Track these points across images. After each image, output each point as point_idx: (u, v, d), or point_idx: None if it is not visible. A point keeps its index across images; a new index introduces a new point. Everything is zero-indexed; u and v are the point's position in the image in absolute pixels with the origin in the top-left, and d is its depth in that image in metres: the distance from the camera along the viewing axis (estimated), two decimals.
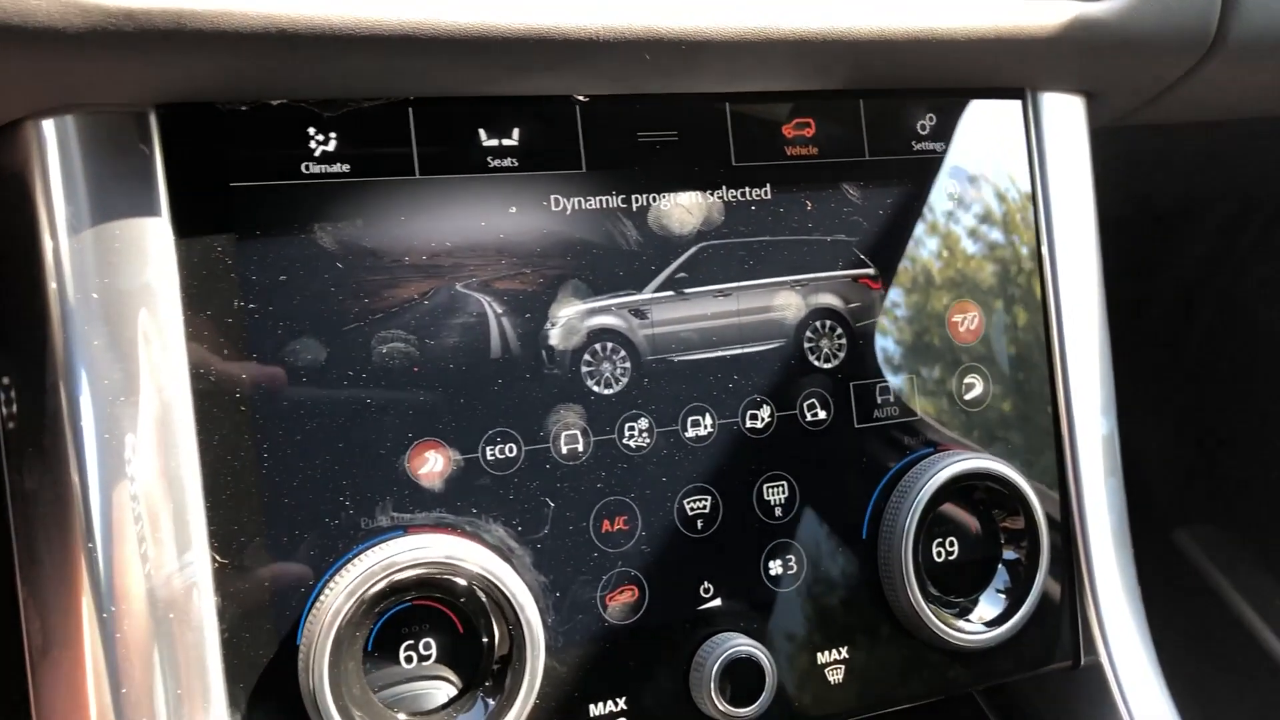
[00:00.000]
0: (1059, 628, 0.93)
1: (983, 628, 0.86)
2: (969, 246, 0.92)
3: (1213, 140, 1.31)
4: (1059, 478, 0.94)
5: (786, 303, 0.86)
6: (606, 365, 0.81)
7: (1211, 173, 1.55)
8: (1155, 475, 1.97)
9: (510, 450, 0.78)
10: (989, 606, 0.88)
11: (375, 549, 0.72)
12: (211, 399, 0.71)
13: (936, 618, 0.85)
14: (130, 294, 0.69)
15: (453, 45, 0.69)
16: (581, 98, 0.80)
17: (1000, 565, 0.90)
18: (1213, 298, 1.84)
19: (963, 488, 0.88)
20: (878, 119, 0.89)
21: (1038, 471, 0.93)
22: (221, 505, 0.71)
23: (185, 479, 0.70)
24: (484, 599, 0.74)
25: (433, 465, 0.76)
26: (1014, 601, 0.88)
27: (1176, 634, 1.78)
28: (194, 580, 0.70)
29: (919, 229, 0.91)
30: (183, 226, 0.71)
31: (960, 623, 0.86)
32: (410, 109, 0.76)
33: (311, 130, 0.74)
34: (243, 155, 0.72)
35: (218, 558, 0.71)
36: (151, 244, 0.70)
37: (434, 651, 0.75)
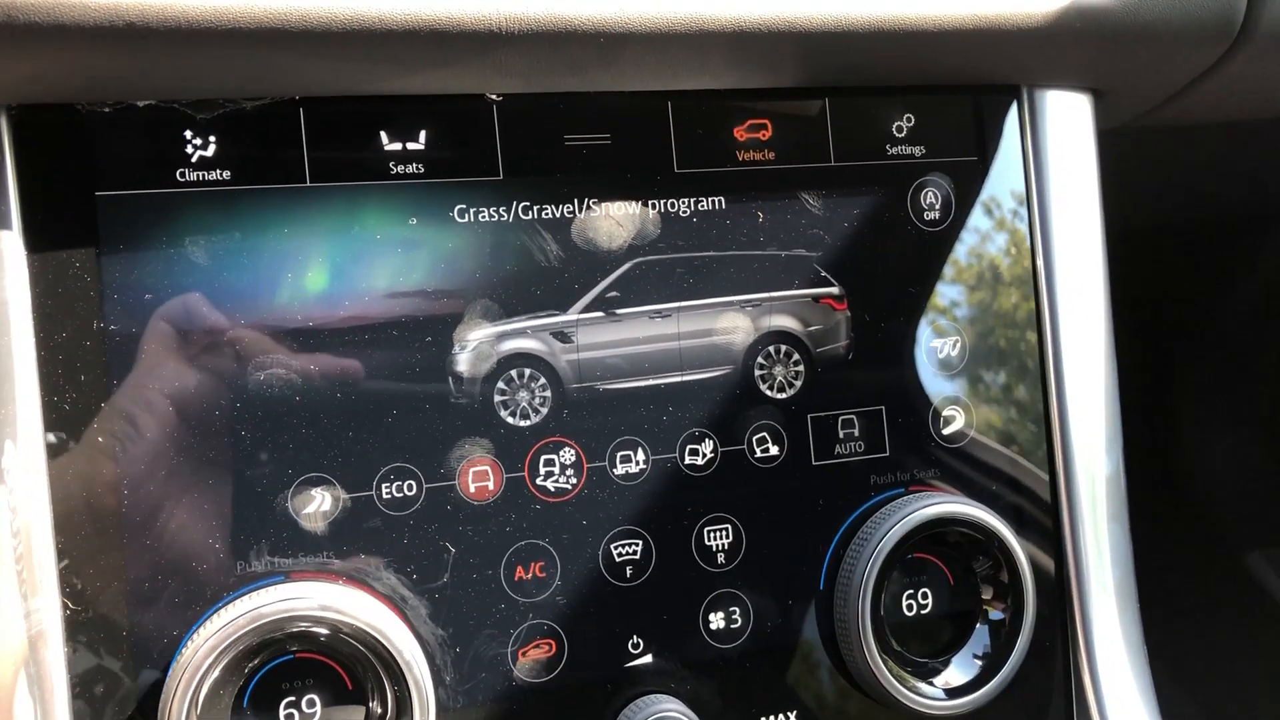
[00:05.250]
0: (1046, 701, 0.82)
1: (942, 695, 0.76)
2: (952, 263, 0.82)
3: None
4: (1053, 524, 0.84)
5: (734, 325, 0.77)
6: (523, 394, 0.73)
7: None
8: (1228, 493, 1.85)
9: (409, 488, 0.70)
10: (959, 671, 0.78)
11: (243, 599, 0.65)
12: (65, 429, 0.64)
13: (895, 679, 0.75)
14: None
15: (327, 39, 0.62)
16: (495, 96, 0.72)
17: (980, 625, 0.80)
18: None
19: (938, 534, 0.78)
20: (846, 120, 0.80)
21: (1027, 517, 0.83)
22: (75, 546, 0.64)
23: (33, 517, 0.64)
24: (367, 654, 0.66)
25: (319, 504, 0.68)
26: (989, 668, 0.78)
27: (1246, 660, 1.66)
28: (41, 629, 0.64)
29: (893, 244, 0.81)
30: (37, 239, 0.64)
31: (922, 686, 0.76)
32: (301, 109, 0.69)
33: (189, 134, 0.67)
34: (108, 161, 0.66)
35: (69, 605, 0.64)
36: (0, 258, 0.63)
37: (318, 710, 0.67)
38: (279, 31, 0.61)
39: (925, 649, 0.79)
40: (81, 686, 0.64)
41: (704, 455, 0.76)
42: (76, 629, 0.64)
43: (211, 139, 0.67)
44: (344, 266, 0.69)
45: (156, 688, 0.65)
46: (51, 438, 0.64)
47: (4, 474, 0.63)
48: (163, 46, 0.60)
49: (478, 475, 0.71)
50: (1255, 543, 1.79)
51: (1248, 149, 1.25)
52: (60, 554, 0.64)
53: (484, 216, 0.72)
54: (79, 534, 0.65)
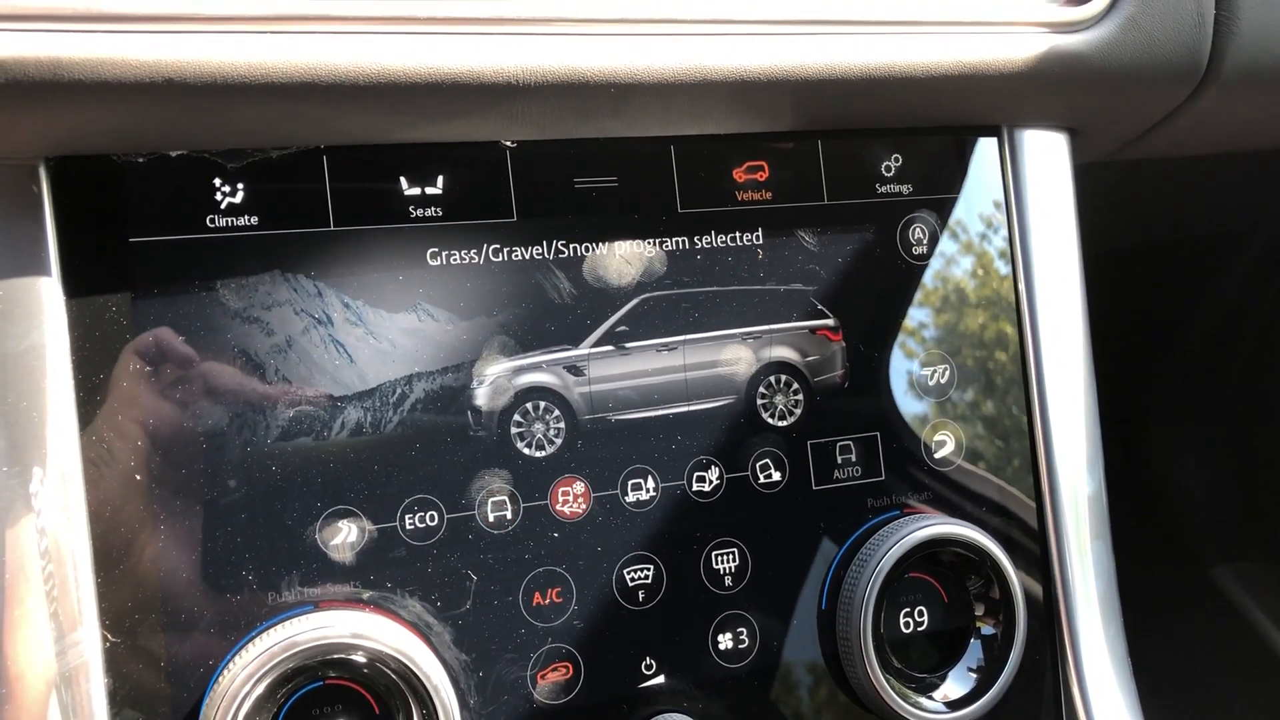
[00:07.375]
0: (1038, 711, 0.86)
1: (944, 708, 0.80)
2: (939, 295, 0.86)
3: (1251, 167, 1.24)
4: (1040, 543, 0.88)
5: (737, 357, 0.81)
6: (538, 426, 0.76)
7: (1251, 199, 1.48)
8: (1195, 509, 1.89)
9: (431, 519, 0.73)
10: (956, 685, 0.81)
11: (277, 628, 0.68)
12: (103, 467, 0.67)
13: (897, 694, 0.79)
14: (15, 357, 0.65)
15: (354, 92, 0.65)
16: (510, 143, 0.75)
17: (974, 640, 0.83)
18: (1255, 327, 1.76)
19: (932, 554, 0.82)
20: (838, 161, 0.84)
21: (1015, 537, 0.87)
22: (114, 580, 0.67)
23: (74, 552, 0.66)
24: (396, 680, 0.69)
25: (345, 536, 0.71)
26: (985, 680, 0.81)
27: (1214, 673, 1.70)
28: (83, 660, 0.66)
29: (884, 277, 0.85)
30: (75, 285, 0.67)
31: (923, 700, 0.80)
32: (324, 157, 0.72)
33: (217, 181, 0.70)
34: (142, 209, 0.68)
35: (109, 636, 0.67)
36: (40, 304, 0.66)
37: None
38: (309, 86, 0.64)
39: (920, 664, 0.83)
40: (122, 716, 0.66)
41: (710, 482, 0.80)
42: (116, 659, 0.66)
43: (240, 186, 0.70)
44: (367, 306, 0.72)
45: (193, 715, 0.68)
46: (89, 476, 0.66)
47: (47, 512, 0.65)
48: (198, 100, 0.63)
49: (496, 505, 0.74)
50: (1224, 557, 1.84)
51: (1213, 178, 1.31)
52: (99, 588, 0.66)
53: (501, 256, 0.75)
54: (116, 568, 0.67)
